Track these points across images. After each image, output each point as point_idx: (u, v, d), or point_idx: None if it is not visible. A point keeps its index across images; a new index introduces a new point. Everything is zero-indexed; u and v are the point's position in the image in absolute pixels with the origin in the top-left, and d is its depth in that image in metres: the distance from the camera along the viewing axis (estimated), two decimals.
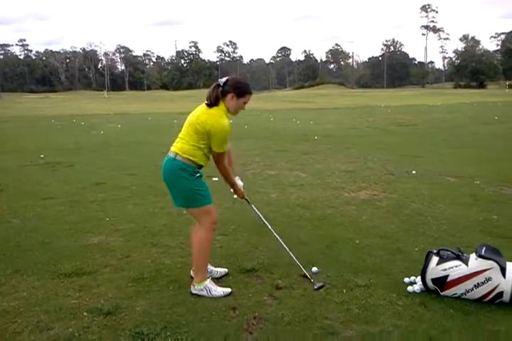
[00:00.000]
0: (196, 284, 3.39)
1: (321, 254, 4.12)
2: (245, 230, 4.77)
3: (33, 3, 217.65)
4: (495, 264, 3.17)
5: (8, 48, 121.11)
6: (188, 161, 3.29)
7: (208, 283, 3.40)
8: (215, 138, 3.25)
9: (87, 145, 12.43)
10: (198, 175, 3.36)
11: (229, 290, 3.40)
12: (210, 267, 3.66)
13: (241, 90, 3.32)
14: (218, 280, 3.58)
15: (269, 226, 3.78)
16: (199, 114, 3.31)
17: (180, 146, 3.33)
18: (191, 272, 3.62)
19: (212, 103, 3.29)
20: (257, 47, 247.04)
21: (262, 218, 3.77)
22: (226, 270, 3.74)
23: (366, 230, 4.82)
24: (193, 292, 3.39)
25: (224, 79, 3.33)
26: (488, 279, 3.16)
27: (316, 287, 3.42)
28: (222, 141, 3.27)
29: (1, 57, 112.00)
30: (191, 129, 3.30)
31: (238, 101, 3.33)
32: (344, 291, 3.38)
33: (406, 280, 3.52)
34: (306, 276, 3.59)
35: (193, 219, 3.58)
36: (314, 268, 3.71)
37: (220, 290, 3.38)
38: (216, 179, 6.95)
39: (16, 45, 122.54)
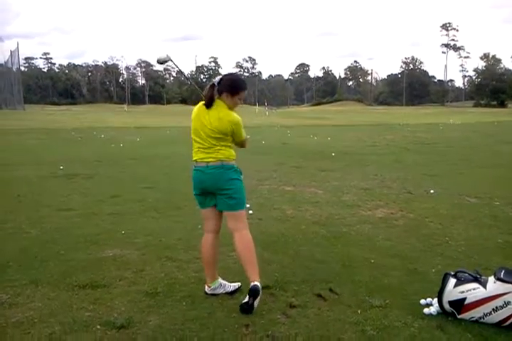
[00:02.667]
0: (257, 281, 3.38)
1: (336, 273, 4.07)
2: (258, 245, 4.72)
3: (56, 17, 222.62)
4: None
5: (33, 61, 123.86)
6: (232, 162, 3.48)
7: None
8: (236, 132, 3.42)
9: (106, 158, 12.56)
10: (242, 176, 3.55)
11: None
12: (223, 281, 3.65)
13: (234, 89, 3.42)
14: (232, 297, 3.56)
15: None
16: (210, 122, 3.39)
17: (218, 154, 3.42)
18: (206, 288, 3.62)
19: (209, 103, 3.40)
20: (275, 64, 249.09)
21: None
22: (239, 284, 3.72)
23: (382, 249, 4.76)
24: (259, 287, 3.35)
25: (218, 79, 3.45)
26: (508, 303, 3.09)
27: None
28: (241, 130, 3.46)
29: (26, 70, 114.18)
30: (213, 139, 3.40)
31: (233, 98, 3.44)
32: (359, 312, 3.33)
33: (422, 301, 3.46)
34: (320, 295, 3.56)
35: (210, 227, 3.65)
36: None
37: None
38: None
39: (40, 58, 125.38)
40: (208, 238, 3.64)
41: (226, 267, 4.06)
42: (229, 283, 3.68)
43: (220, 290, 3.61)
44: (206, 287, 3.61)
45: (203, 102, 3.44)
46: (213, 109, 3.40)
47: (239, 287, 3.69)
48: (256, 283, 3.36)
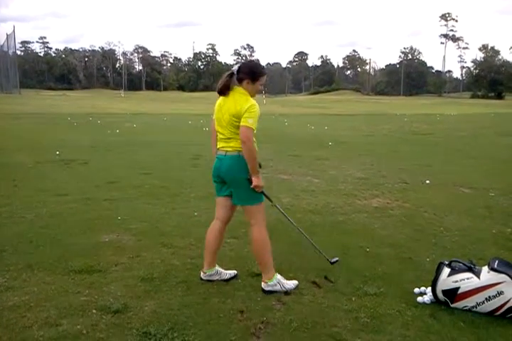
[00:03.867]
0: (268, 280, 3.43)
1: None
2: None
3: (51, 1, 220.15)
4: (507, 278, 3.13)
5: (29, 45, 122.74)
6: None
7: (279, 276, 3.50)
8: (245, 115, 3.23)
9: (103, 144, 12.52)
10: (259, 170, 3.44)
11: (297, 282, 3.55)
12: (219, 269, 3.66)
13: (255, 74, 3.38)
14: (227, 283, 3.58)
15: (294, 224, 3.83)
16: (227, 110, 3.34)
17: (237, 144, 3.33)
18: (201, 274, 3.63)
19: (224, 91, 3.37)
20: (274, 52, 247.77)
21: (289, 218, 3.81)
22: (235, 272, 3.74)
23: (378, 238, 4.79)
24: (267, 289, 3.43)
25: (236, 67, 3.40)
26: (500, 293, 3.12)
27: (332, 261, 3.60)
28: (252, 115, 3.24)
29: (22, 54, 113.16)
30: (231, 127, 3.33)
31: (255, 85, 3.40)
32: (353, 299, 3.36)
33: (416, 290, 3.49)
34: (315, 282, 3.60)
35: (221, 217, 3.63)
36: None
37: (290, 283, 3.51)
38: None
39: (37, 42, 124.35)
40: (215, 225, 3.65)
41: (222, 253, 4.07)
42: (225, 271, 3.69)
43: (216, 277, 3.62)
44: (201, 273, 3.63)
45: (218, 91, 3.41)
46: (230, 96, 3.37)
47: (235, 275, 3.70)
48: (262, 285, 3.46)
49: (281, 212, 3.79)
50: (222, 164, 3.43)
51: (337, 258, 3.76)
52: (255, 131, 3.31)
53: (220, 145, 3.46)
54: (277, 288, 3.43)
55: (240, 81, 3.37)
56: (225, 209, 3.61)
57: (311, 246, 3.92)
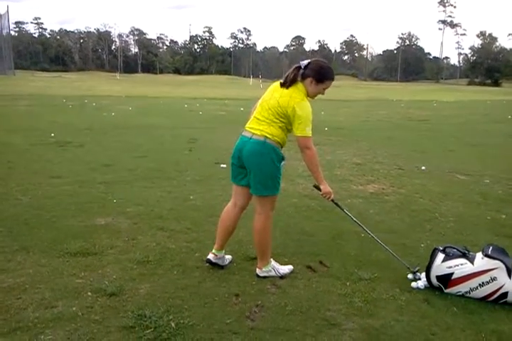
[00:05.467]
0: (263, 267, 3.44)
1: (325, 246, 4.12)
2: (252, 218, 4.76)
3: None
4: (501, 264, 3.15)
5: (23, 26, 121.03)
6: (277, 144, 3.23)
7: (274, 263, 3.49)
8: (298, 121, 3.12)
9: (98, 126, 12.44)
10: (284, 162, 3.33)
11: (291, 267, 3.55)
12: (225, 255, 3.64)
13: (322, 76, 3.21)
14: (222, 267, 3.59)
15: (366, 230, 3.73)
16: (279, 97, 3.20)
17: (267, 129, 3.20)
18: (211, 256, 3.53)
19: (286, 83, 3.21)
20: (271, 35, 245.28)
21: (359, 223, 3.70)
22: (230, 257, 3.73)
23: (372, 224, 4.79)
24: (261, 275, 3.43)
25: (306, 62, 3.23)
26: (494, 279, 3.15)
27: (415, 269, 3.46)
28: (306, 123, 3.13)
29: (16, 34, 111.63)
30: (272, 113, 3.20)
31: (318, 86, 3.23)
32: (347, 284, 3.38)
33: (410, 276, 3.51)
34: (310, 267, 3.62)
35: (238, 201, 3.52)
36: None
37: (285, 268, 3.52)
38: (224, 166, 6.99)
39: (31, 23, 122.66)
40: (230, 208, 3.54)
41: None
42: (229, 257, 3.67)
43: (219, 261, 3.57)
44: (212, 255, 3.54)
45: (282, 81, 3.26)
46: (290, 88, 3.20)
47: (231, 260, 3.69)
48: (257, 271, 3.46)
49: (355, 220, 3.65)
50: (245, 147, 3.26)
51: (418, 267, 3.49)
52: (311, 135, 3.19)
53: (249, 125, 3.31)
54: (272, 273, 3.45)
55: (303, 77, 3.20)
56: (242, 196, 3.47)
57: (306, 232, 3.93)
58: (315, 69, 3.20)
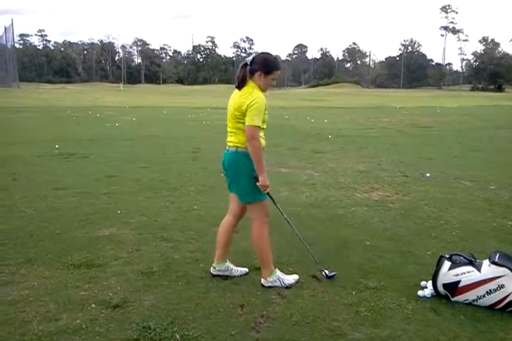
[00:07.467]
0: (268, 277, 3.43)
1: (330, 255, 4.09)
2: None
3: None
4: (508, 271, 3.12)
5: (28, 38, 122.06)
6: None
7: (279, 273, 3.48)
8: (249, 110, 3.17)
9: (102, 137, 12.48)
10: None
11: (297, 277, 3.53)
12: (230, 265, 3.63)
13: (269, 67, 3.28)
14: (227, 277, 3.57)
15: (294, 228, 3.74)
16: (234, 102, 3.28)
17: (235, 139, 3.30)
18: (211, 268, 3.60)
19: (240, 84, 3.28)
20: (273, 44, 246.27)
21: (288, 220, 3.71)
22: (246, 270, 3.70)
23: (377, 232, 4.78)
24: (266, 285, 3.43)
25: (250, 58, 3.30)
26: (501, 286, 3.12)
27: (330, 275, 3.54)
28: (256, 112, 3.16)
29: (21, 47, 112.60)
30: (234, 120, 3.28)
31: (267, 78, 3.30)
32: (353, 293, 3.35)
33: (423, 283, 3.47)
34: (315, 276, 3.59)
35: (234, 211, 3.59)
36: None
37: (290, 278, 3.50)
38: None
39: (35, 35, 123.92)
40: (227, 219, 3.63)
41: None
42: (236, 268, 3.65)
43: (226, 273, 3.59)
44: (211, 267, 3.61)
45: (235, 85, 3.33)
46: (243, 89, 3.28)
47: (246, 273, 3.66)
48: (262, 281, 3.46)
49: (281, 212, 3.66)
50: (225, 159, 3.42)
51: (334, 273, 3.61)
52: (265, 126, 3.28)
53: (227, 138, 3.41)
54: (277, 284, 3.43)
55: (252, 73, 3.27)
56: (236, 204, 3.54)
57: (310, 241, 3.89)
58: (261, 62, 3.27)
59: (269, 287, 3.41)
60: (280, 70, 3.38)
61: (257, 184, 3.28)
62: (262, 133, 3.30)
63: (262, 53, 3.36)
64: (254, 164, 3.25)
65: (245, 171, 3.30)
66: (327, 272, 3.61)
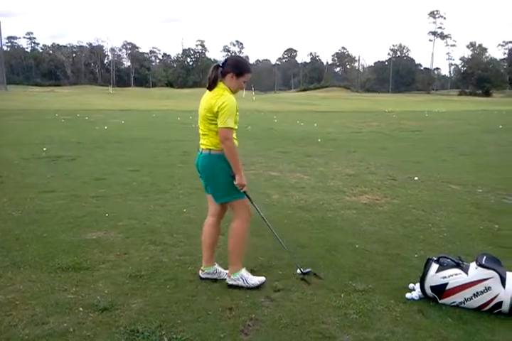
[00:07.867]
0: (232, 274, 3.43)
1: (319, 258, 4.09)
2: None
3: None
4: (495, 274, 3.14)
5: (16, 41, 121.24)
6: (222, 152, 3.27)
7: (243, 272, 3.46)
8: (220, 113, 3.18)
9: (91, 140, 12.42)
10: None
11: (263, 278, 3.50)
12: (219, 268, 3.63)
13: (240, 69, 3.33)
14: (216, 280, 3.56)
15: (271, 227, 3.75)
16: (205, 103, 3.31)
17: (208, 141, 3.32)
18: (200, 272, 3.60)
19: (210, 85, 3.31)
20: (263, 48, 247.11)
21: (264, 218, 3.73)
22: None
23: (366, 235, 4.79)
24: (230, 282, 3.43)
25: (223, 60, 3.36)
26: (488, 289, 3.14)
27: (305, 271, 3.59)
28: (227, 114, 3.18)
29: (8, 49, 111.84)
30: (205, 122, 3.29)
31: (238, 80, 3.34)
32: (342, 296, 3.35)
33: (411, 286, 3.49)
34: (304, 279, 3.59)
35: (216, 213, 3.62)
36: None
37: (255, 279, 3.46)
38: None
39: (24, 37, 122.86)
40: (208, 221, 3.64)
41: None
42: (224, 271, 3.62)
43: (214, 276, 3.58)
44: (200, 271, 3.60)
45: (206, 86, 3.37)
46: (213, 90, 3.31)
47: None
48: (226, 278, 3.48)
49: (258, 211, 3.67)
50: (198, 162, 3.44)
51: (309, 270, 3.69)
52: (236, 127, 3.31)
53: (199, 141, 3.44)
54: (240, 282, 3.42)
55: (224, 74, 3.31)
56: (214, 205, 3.57)
57: (300, 244, 3.90)
58: (233, 64, 3.33)
59: (233, 286, 3.42)
60: (251, 74, 3.42)
61: (234, 183, 3.31)
62: (234, 134, 3.32)
63: (234, 56, 3.44)
64: (231, 164, 3.28)
65: (220, 172, 3.33)
66: (302, 269, 3.65)
